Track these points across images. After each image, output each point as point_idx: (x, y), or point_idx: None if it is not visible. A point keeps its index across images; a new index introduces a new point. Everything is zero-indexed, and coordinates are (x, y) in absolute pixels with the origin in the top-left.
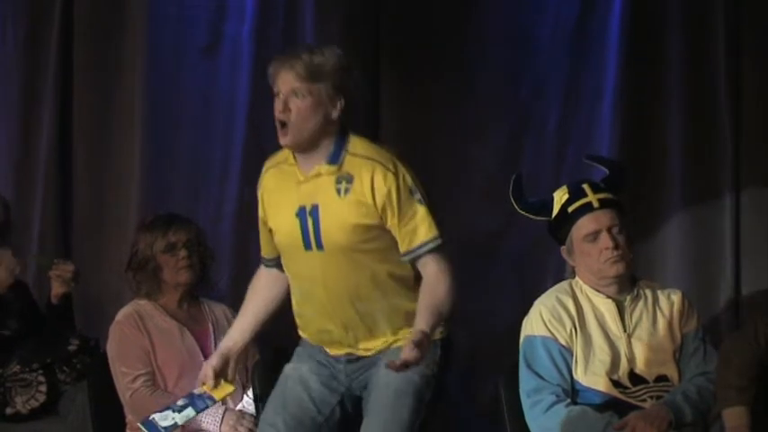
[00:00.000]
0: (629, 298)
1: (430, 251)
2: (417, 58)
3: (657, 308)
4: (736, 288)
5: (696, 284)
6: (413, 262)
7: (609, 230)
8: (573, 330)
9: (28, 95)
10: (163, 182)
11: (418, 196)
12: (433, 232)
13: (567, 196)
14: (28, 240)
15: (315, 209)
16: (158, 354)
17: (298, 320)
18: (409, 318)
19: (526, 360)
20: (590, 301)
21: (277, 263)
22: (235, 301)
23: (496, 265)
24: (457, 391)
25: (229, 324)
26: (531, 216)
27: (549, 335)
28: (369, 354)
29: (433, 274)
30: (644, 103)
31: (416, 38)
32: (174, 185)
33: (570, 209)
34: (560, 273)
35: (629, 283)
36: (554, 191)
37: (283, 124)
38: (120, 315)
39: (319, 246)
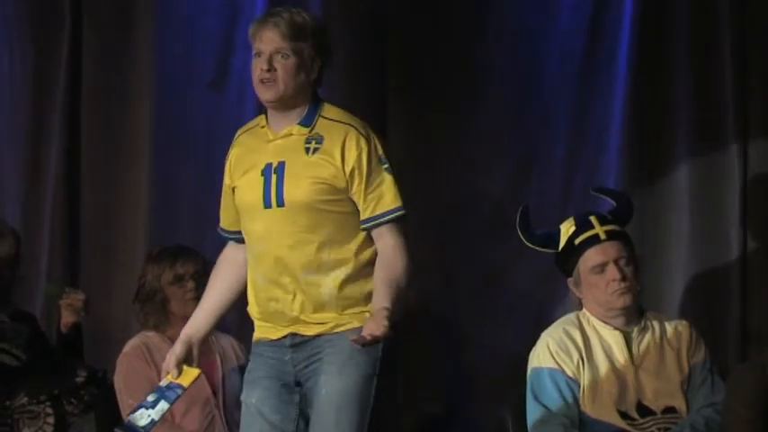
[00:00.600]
0: (636, 329)
1: (391, 221)
2: (424, 88)
3: (665, 339)
4: (743, 319)
5: (703, 316)
6: (370, 230)
7: (616, 262)
8: (580, 362)
9: (36, 126)
10: (170, 213)
11: (386, 165)
12: (399, 202)
13: (573, 228)
14: (36, 271)
15: (281, 165)
16: None
17: (249, 291)
18: (355, 298)
19: (533, 392)
20: (597, 332)
21: (233, 235)
22: (242, 333)
23: (503, 297)
24: (463, 421)
25: (237, 356)
26: (538, 248)
27: (556, 366)
28: (313, 333)
29: (390, 248)
30: (652, 134)
31: (424, 69)
32: (181, 217)
33: (577, 241)
34: (567, 305)
35: (636, 315)
36: (561, 221)
37: (265, 82)
38: (128, 347)
39: (280, 202)
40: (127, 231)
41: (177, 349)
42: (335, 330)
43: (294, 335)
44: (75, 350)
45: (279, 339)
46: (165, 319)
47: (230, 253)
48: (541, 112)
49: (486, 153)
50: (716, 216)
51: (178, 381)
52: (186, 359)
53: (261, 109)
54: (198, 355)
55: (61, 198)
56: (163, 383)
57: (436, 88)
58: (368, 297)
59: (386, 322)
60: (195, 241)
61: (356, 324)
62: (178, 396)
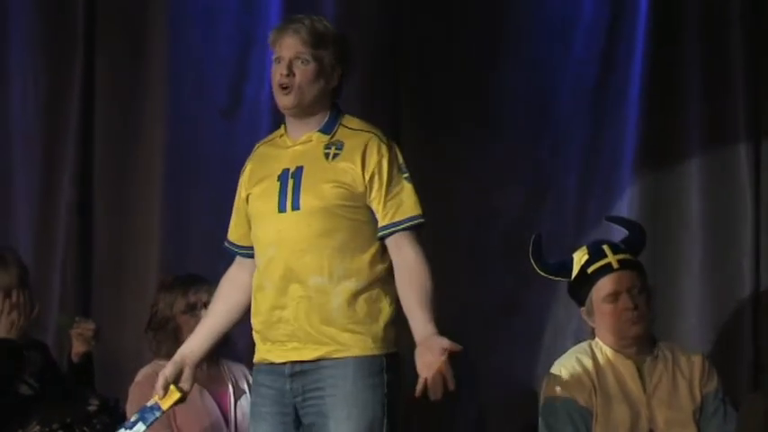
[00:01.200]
0: (649, 359)
1: (409, 228)
2: (438, 116)
3: (677, 369)
4: (756, 349)
5: (715, 346)
6: (388, 237)
7: (629, 291)
8: (593, 391)
9: (48, 154)
10: (182, 242)
11: (406, 174)
12: (419, 210)
13: (586, 257)
14: (48, 300)
15: (299, 170)
16: (178, 415)
17: (254, 299)
18: (361, 316)
19: (546, 421)
20: (610, 361)
21: (241, 249)
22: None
23: (515, 325)
24: None
25: (248, 384)
26: (551, 277)
27: (568, 395)
28: (312, 357)
29: (412, 259)
30: (664, 163)
31: (437, 96)
32: (194, 245)
33: (590, 270)
34: (580, 333)
35: (648, 344)
36: (574, 250)
37: (284, 88)
38: (140, 376)
39: (295, 206)
40: (139, 260)
41: (167, 370)
42: (335, 355)
43: (293, 363)
44: (87, 379)
45: (279, 365)
46: (177, 347)
47: (234, 274)
48: (554, 140)
49: (499, 181)
50: (728, 246)
51: (161, 402)
52: (176, 380)
53: None
54: (192, 377)
55: (74, 226)
56: (148, 404)
57: (449, 116)
58: (374, 318)
59: (444, 355)
60: (208, 269)
61: (357, 352)
62: (156, 418)
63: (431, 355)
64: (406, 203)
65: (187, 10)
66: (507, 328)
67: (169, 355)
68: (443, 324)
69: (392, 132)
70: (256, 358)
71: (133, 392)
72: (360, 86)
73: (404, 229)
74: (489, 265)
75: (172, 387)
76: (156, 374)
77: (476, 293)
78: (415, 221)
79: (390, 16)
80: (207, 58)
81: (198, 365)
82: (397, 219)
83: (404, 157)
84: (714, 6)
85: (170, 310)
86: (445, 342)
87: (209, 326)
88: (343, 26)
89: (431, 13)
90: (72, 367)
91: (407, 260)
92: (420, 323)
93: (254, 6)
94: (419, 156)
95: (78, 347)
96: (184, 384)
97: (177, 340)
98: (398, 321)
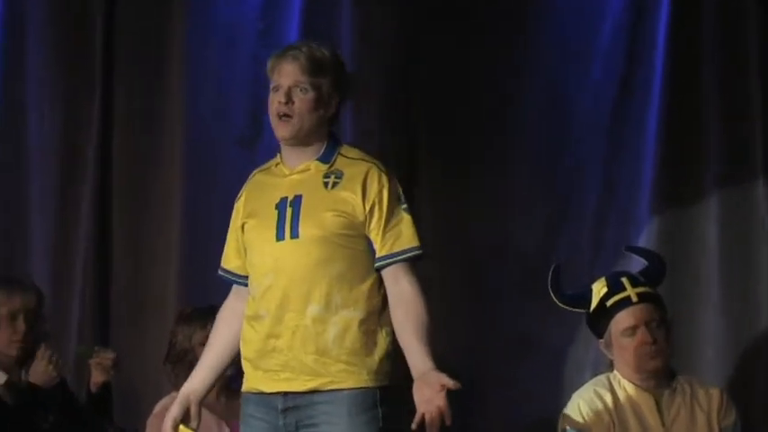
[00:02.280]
0: (667, 392)
1: (407, 260)
2: (454, 147)
3: (696, 402)
4: None
5: (733, 379)
6: (385, 268)
7: (647, 325)
8: (611, 424)
9: (66, 182)
10: (201, 272)
11: (405, 206)
12: (417, 241)
13: (605, 290)
14: (66, 329)
15: (297, 199)
16: None
17: (245, 329)
18: (357, 348)
19: None
20: (628, 394)
21: (236, 278)
22: None
23: (533, 356)
24: None
25: None
26: (569, 308)
27: (586, 428)
28: (305, 388)
29: (408, 291)
30: (682, 192)
31: (453, 126)
32: (212, 276)
33: (609, 303)
34: (598, 366)
35: (667, 378)
36: (591, 279)
37: (282, 116)
38: (159, 407)
39: (294, 234)
40: (157, 291)
41: (174, 411)
42: (329, 387)
43: (286, 395)
44: (105, 409)
45: (270, 395)
46: None
47: (233, 304)
48: (572, 169)
49: (517, 207)
50: (747, 278)
51: None
52: (184, 419)
53: None
54: (198, 413)
55: (92, 258)
56: None
57: (466, 142)
58: (370, 351)
59: (442, 391)
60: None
61: (350, 384)
62: None
63: (429, 390)
64: (405, 234)
65: (205, 37)
66: (525, 361)
67: None
68: (460, 357)
69: (409, 164)
70: (245, 387)
71: (151, 424)
72: (377, 119)
73: (402, 261)
74: (507, 297)
75: (181, 427)
76: None
77: (493, 326)
78: (414, 253)
79: (406, 46)
80: (225, 85)
81: (203, 401)
82: (395, 249)
83: (401, 188)
84: (733, 33)
85: (189, 342)
86: (444, 378)
87: (211, 360)
88: (360, 59)
89: (447, 41)
90: (90, 397)
91: (404, 292)
92: (418, 357)
93: (271, 35)
94: (436, 188)
95: (97, 377)
96: (193, 423)
97: None
98: (394, 354)
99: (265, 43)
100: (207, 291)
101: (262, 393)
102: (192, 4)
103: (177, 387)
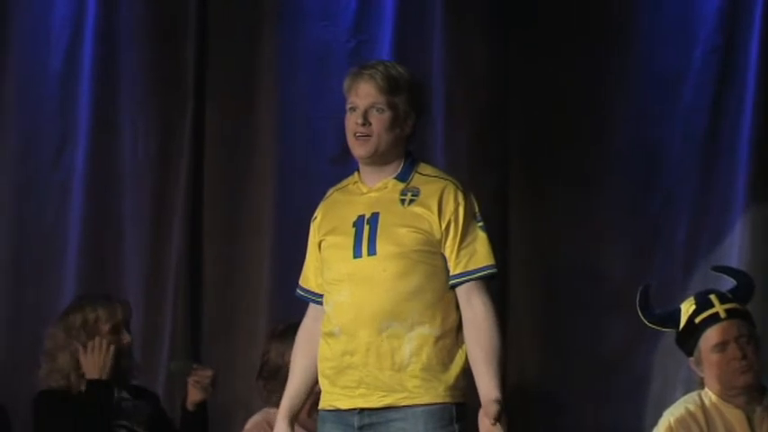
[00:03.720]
0: (759, 408)
1: (482, 278)
2: (545, 168)
3: None
4: None
5: None
6: (459, 286)
7: (737, 341)
8: None
9: (159, 206)
10: (293, 290)
11: (481, 224)
12: (492, 260)
13: (694, 307)
14: (158, 348)
15: (374, 216)
16: None
17: (323, 345)
18: (434, 364)
19: None
20: (719, 411)
21: (313, 297)
22: None
23: (623, 375)
24: None
25: None
26: (658, 328)
27: None
28: (381, 404)
29: (480, 312)
30: None
31: (545, 148)
32: None
33: (698, 319)
34: (690, 384)
35: (758, 394)
36: (682, 301)
37: (360, 136)
38: (250, 423)
39: (371, 251)
40: (249, 308)
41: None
42: (403, 403)
43: (362, 411)
44: (201, 429)
45: (347, 411)
46: None
47: (312, 324)
48: (664, 191)
49: (608, 233)
50: None
51: None
52: None
53: None
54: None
55: (184, 276)
56: None
57: (558, 169)
58: (446, 367)
59: (498, 422)
60: None
61: (427, 399)
62: None
63: (485, 423)
64: (480, 252)
65: (297, 60)
66: (614, 379)
67: (279, 404)
68: (548, 374)
69: (500, 187)
70: (322, 405)
71: None
72: (468, 143)
73: (476, 279)
74: (597, 317)
75: None
76: (266, 423)
77: (584, 347)
78: (488, 271)
79: (498, 72)
80: (315, 108)
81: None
82: (470, 268)
83: (479, 206)
84: None
85: (281, 359)
86: (494, 414)
87: (301, 382)
88: (452, 84)
89: (538, 66)
90: (186, 416)
91: (476, 313)
92: (485, 384)
93: (363, 58)
94: (527, 210)
95: (195, 395)
96: None
97: None
98: (469, 372)
99: (357, 62)
100: (298, 307)
101: (338, 410)
102: (284, 22)
103: (269, 403)
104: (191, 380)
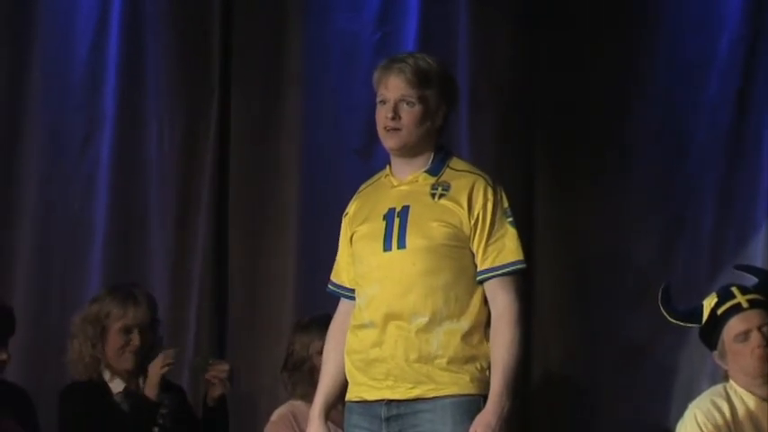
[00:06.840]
0: None
1: (510, 273)
2: (571, 158)
3: None
4: None
5: None
6: (486, 281)
7: (759, 329)
8: None
9: (184, 198)
10: (318, 283)
11: (511, 219)
12: (520, 255)
13: (716, 300)
14: (183, 342)
15: (405, 209)
16: None
17: (350, 338)
18: (461, 358)
19: None
20: (745, 404)
21: (345, 291)
22: None
23: (648, 368)
24: None
25: None
26: (682, 324)
27: None
28: (408, 396)
29: (503, 310)
30: None
31: (570, 140)
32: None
33: (720, 311)
34: (716, 378)
35: None
36: (707, 295)
37: (390, 129)
38: (275, 416)
39: (401, 245)
40: (273, 301)
41: (320, 429)
42: (432, 395)
43: (389, 403)
44: (221, 423)
45: (374, 402)
46: (312, 388)
47: (343, 319)
48: (688, 183)
49: (632, 225)
50: None
51: None
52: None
53: None
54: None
55: (209, 269)
56: None
57: (583, 161)
58: (473, 359)
59: (496, 424)
60: None
61: (454, 390)
62: None
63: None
64: (508, 248)
65: (323, 52)
66: (638, 371)
67: (304, 396)
68: (573, 365)
69: (526, 178)
70: (349, 396)
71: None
72: (494, 133)
73: (503, 275)
74: (622, 308)
75: None
76: (291, 415)
77: (607, 338)
78: (516, 267)
79: (523, 62)
80: (342, 100)
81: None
82: (497, 263)
83: (509, 201)
84: None
85: (306, 351)
86: (480, 427)
87: (334, 377)
88: (477, 74)
89: (563, 55)
90: (207, 411)
91: (500, 310)
92: (493, 386)
93: (388, 51)
94: (553, 200)
95: (214, 391)
96: None
97: (313, 381)
98: None
99: (383, 58)
100: (323, 300)
101: (365, 402)
102: (310, 13)
103: (294, 395)
104: (209, 375)
